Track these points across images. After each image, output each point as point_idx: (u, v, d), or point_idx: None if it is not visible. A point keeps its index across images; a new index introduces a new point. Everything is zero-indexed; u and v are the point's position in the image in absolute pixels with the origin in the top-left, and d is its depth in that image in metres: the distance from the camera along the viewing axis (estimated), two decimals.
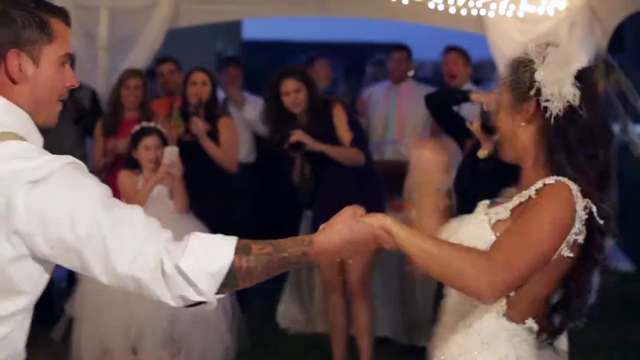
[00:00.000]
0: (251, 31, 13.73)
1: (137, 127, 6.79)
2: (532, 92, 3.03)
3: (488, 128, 5.45)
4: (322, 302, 7.73)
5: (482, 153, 5.56)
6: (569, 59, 3.07)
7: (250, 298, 7.98)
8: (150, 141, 6.62)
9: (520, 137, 3.11)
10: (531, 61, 3.09)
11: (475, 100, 5.57)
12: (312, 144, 6.54)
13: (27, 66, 2.58)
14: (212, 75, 7.68)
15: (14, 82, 2.57)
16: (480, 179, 5.61)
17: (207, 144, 7.32)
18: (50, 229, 2.45)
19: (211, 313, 6.35)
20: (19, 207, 2.43)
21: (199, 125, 7.30)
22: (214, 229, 6.33)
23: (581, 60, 3.07)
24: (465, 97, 5.66)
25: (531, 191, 3.01)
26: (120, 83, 7.62)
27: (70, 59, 2.69)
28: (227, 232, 6.47)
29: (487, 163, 5.53)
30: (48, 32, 2.58)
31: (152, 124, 6.82)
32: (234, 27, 12.88)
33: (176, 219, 6.49)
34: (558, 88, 3.00)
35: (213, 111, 7.52)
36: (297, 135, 6.55)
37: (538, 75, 3.04)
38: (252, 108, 9.02)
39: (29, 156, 2.52)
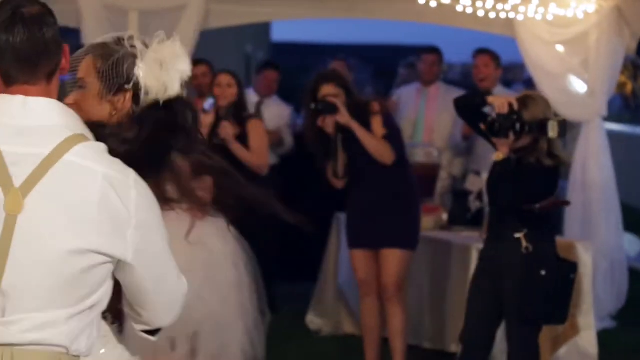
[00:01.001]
0: (280, 33, 13.76)
1: None
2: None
3: (497, 131, 5.48)
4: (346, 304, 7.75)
5: (497, 156, 5.57)
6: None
7: (281, 300, 8.00)
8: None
9: None
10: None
11: (490, 103, 5.59)
12: (347, 119, 6.49)
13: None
14: (238, 77, 7.67)
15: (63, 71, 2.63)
16: (497, 182, 5.64)
17: (236, 148, 7.32)
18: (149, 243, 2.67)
19: (227, 314, 6.37)
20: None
21: (227, 129, 7.30)
22: (241, 232, 6.40)
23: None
24: (483, 100, 5.68)
25: None
26: None
27: None
28: (254, 233, 6.53)
29: (503, 166, 5.55)
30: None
31: None
32: (263, 29, 12.90)
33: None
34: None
35: (241, 113, 7.51)
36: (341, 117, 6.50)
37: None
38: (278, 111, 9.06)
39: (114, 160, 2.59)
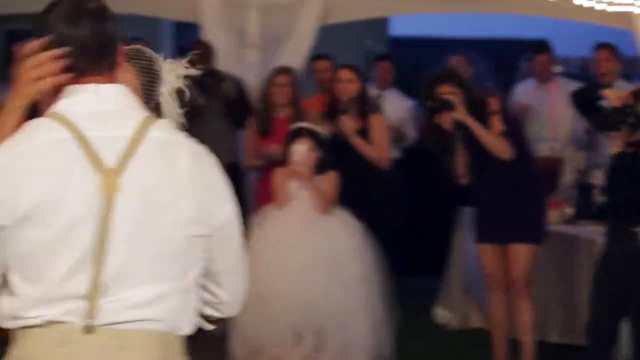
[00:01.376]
0: (398, 28, 13.71)
1: (291, 127, 6.84)
2: None
3: (611, 124, 5.39)
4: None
5: (614, 149, 5.50)
6: None
7: (407, 294, 7.98)
8: (301, 143, 6.65)
9: None
10: None
11: (606, 97, 5.51)
12: (463, 116, 6.45)
13: None
14: (359, 71, 7.68)
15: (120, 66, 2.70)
16: (614, 176, 5.56)
17: (357, 142, 7.34)
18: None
19: (353, 309, 6.38)
20: None
21: (347, 124, 7.33)
22: (366, 226, 6.42)
23: None
24: (599, 94, 5.61)
25: None
26: (269, 81, 7.66)
27: None
28: (379, 229, 6.53)
29: (619, 159, 5.46)
30: None
31: (305, 125, 6.82)
32: (381, 23, 12.91)
33: (323, 219, 6.54)
34: None
35: (363, 108, 7.53)
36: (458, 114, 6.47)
37: None
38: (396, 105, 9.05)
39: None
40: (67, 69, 2.58)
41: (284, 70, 7.67)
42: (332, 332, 6.34)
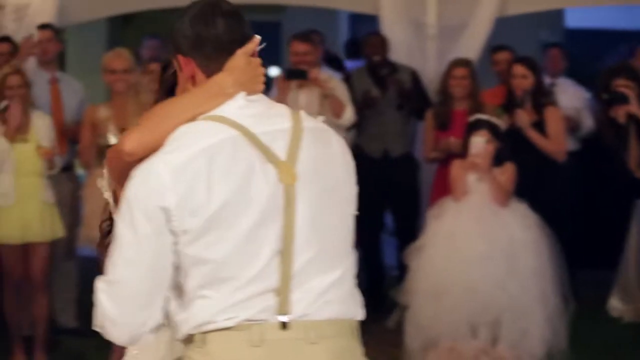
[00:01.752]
0: (574, 19, 13.52)
1: (470, 119, 6.87)
2: None
3: None
4: None
5: None
6: None
7: (583, 286, 7.94)
8: (479, 135, 6.66)
9: None
10: None
11: None
12: (637, 109, 6.38)
13: None
14: (534, 65, 7.64)
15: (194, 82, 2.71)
16: None
17: (533, 135, 7.33)
18: None
19: (528, 301, 6.36)
20: None
21: (523, 118, 7.32)
22: (544, 219, 6.40)
23: None
24: None
25: None
26: (447, 73, 7.67)
27: None
28: (554, 220, 6.50)
29: None
30: None
31: (483, 117, 6.83)
32: (557, 15, 12.76)
33: (499, 211, 6.55)
34: None
35: (539, 100, 7.51)
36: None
37: None
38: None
39: None
40: (202, 67, 2.65)
41: (462, 63, 7.66)
42: (507, 325, 6.34)
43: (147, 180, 2.51)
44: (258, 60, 2.68)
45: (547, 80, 8.92)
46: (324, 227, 2.57)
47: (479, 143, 6.56)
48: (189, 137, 2.55)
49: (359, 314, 2.66)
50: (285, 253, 2.51)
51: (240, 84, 2.63)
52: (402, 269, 7.22)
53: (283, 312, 2.52)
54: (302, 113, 2.71)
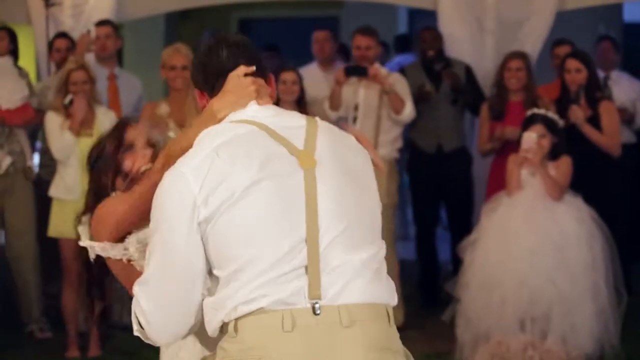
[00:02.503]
0: (632, 13, 13.39)
1: (527, 114, 6.85)
2: None
3: None
4: None
5: None
6: None
7: (637, 280, 7.88)
8: (534, 130, 6.64)
9: None
10: None
11: None
12: None
13: None
14: (588, 59, 7.59)
15: (271, 97, 2.87)
16: None
17: (588, 130, 7.30)
18: None
19: (578, 295, 6.32)
20: None
21: (577, 114, 7.28)
22: (599, 212, 6.37)
23: None
24: None
25: None
26: (502, 65, 7.65)
27: None
28: (609, 214, 6.46)
29: None
30: None
31: (540, 111, 6.80)
32: (615, 9, 12.65)
33: (552, 205, 6.52)
34: None
35: (594, 95, 7.47)
36: None
37: None
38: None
39: None
40: (212, 98, 2.83)
41: (518, 55, 7.64)
42: (556, 319, 6.32)
43: (174, 183, 2.62)
44: (248, 80, 2.78)
45: (600, 74, 8.87)
46: (348, 207, 2.62)
47: (530, 138, 6.55)
48: (208, 138, 2.67)
49: (392, 300, 2.67)
50: (310, 234, 2.55)
51: (231, 105, 2.75)
52: (456, 263, 7.22)
53: (314, 296, 2.53)
54: (317, 118, 2.82)
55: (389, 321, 2.63)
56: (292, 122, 2.75)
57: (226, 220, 2.55)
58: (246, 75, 2.78)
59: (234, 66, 2.79)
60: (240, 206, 2.55)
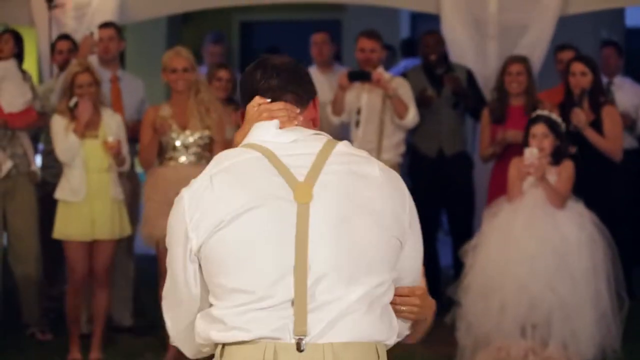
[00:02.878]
0: (634, 18, 13.40)
1: (532, 115, 6.85)
2: None
3: None
4: None
5: None
6: None
7: (638, 285, 7.88)
8: (536, 129, 6.65)
9: None
10: None
11: None
12: None
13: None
14: (593, 63, 7.61)
15: (309, 121, 2.82)
16: None
17: (590, 134, 7.30)
18: None
19: (579, 301, 6.32)
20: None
21: (579, 117, 7.29)
22: (601, 217, 6.37)
23: None
24: None
25: None
26: (503, 69, 7.66)
27: None
28: (611, 219, 6.46)
29: None
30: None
31: (544, 113, 6.81)
32: (617, 14, 12.67)
33: (552, 211, 6.51)
34: None
35: (597, 100, 7.48)
36: None
37: None
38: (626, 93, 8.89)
39: None
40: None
41: (518, 59, 7.66)
42: (556, 325, 6.32)
43: (176, 205, 2.65)
44: (264, 107, 2.76)
45: (603, 79, 8.87)
46: (343, 243, 2.54)
47: (532, 154, 6.52)
48: (214, 162, 2.67)
49: (385, 336, 2.60)
50: (298, 268, 2.50)
51: (244, 132, 2.77)
52: (458, 268, 7.22)
53: (299, 332, 2.49)
54: (343, 143, 2.73)
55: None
56: (305, 148, 2.66)
57: (213, 249, 2.54)
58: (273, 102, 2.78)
59: (267, 89, 2.78)
60: (227, 236, 2.54)
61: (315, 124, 2.82)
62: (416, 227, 2.71)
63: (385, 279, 2.59)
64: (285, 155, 2.62)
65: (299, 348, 2.47)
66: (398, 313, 2.67)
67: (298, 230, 2.52)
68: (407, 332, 2.78)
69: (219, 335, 2.54)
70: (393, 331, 2.62)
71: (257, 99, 2.77)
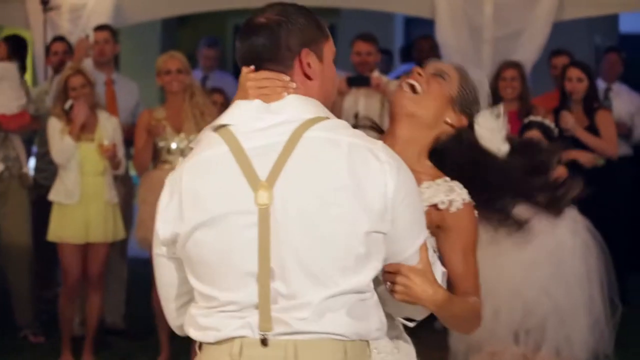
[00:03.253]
0: (628, 24, 13.45)
1: (525, 121, 6.86)
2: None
3: None
4: None
5: None
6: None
7: (632, 292, 7.89)
8: (530, 135, 6.64)
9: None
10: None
11: None
12: None
13: (314, 63, 2.67)
14: (589, 69, 7.63)
15: (308, 78, 2.66)
16: None
17: (583, 135, 7.32)
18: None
19: (572, 307, 6.32)
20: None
21: (568, 119, 7.30)
22: (596, 224, 6.37)
23: None
24: None
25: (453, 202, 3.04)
26: (497, 75, 7.66)
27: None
28: (605, 225, 6.45)
29: None
30: (323, 30, 2.70)
31: (537, 118, 6.82)
32: (611, 20, 12.71)
33: (547, 217, 6.51)
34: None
35: (591, 105, 7.50)
36: None
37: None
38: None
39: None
40: None
41: (512, 64, 7.66)
42: (550, 331, 6.32)
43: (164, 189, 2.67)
44: (250, 82, 2.65)
45: (603, 84, 8.89)
46: (308, 246, 2.49)
47: None
48: (195, 149, 2.64)
49: (363, 334, 2.57)
50: (261, 274, 2.49)
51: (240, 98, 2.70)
52: None
53: (264, 328, 2.50)
54: (321, 124, 2.58)
55: (349, 356, 2.55)
56: (275, 136, 2.56)
57: (181, 253, 2.59)
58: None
59: (247, 58, 2.67)
60: (192, 243, 2.55)
61: (311, 76, 2.67)
62: (405, 206, 2.56)
63: (362, 276, 2.53)
64: (253, 149, 2.54)
65: (264, 344, 2.49)
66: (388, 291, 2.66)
67: (260, 235, 2.49)
68: (421, 315, 2.84)
69: (196, 334, 2.59)
70: (373, 327, 2.57)
71: (244, 70, 2.68)
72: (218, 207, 2.51)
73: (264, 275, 2.48)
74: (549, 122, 6.81)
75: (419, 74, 3.14)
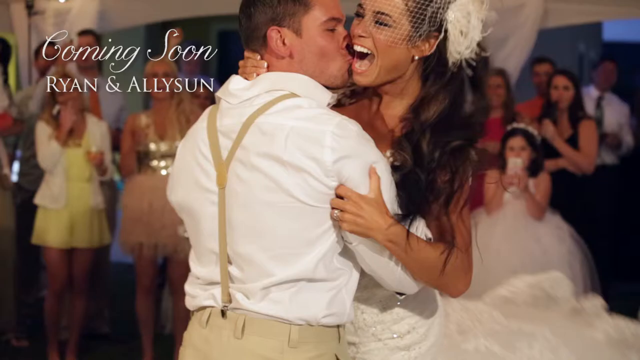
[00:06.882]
0: (612, 33, 13.50)
1: (508, 128, 6.87)
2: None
3: None
4: None
5: None
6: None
7: (614, 299, 7.87)
8: (514, 142, 6.66)
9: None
10: None
11: None
12: None
13: (291, 39, 2.66)
14: (575, 77, 7.65)
15: (279, 57, 2.67)
16: None
17: (561, 145, 7.33)
18: None
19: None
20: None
21: (549, 128, 7.31)
22: (579, 231, 6.38)
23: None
24: None
25: None
26: None
27: (339, 21, 2.72)
28: (589, 233, 6.46)
29: None
30: (303, 3, 2.65)
31: (521, 125, 6.83)
32: (595, 28, 12.75)
33: (533, 224, 6.53)
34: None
35: (576, 114, 7.51)
36: None
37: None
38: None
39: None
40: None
41: (497, 72, 7.68)
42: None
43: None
44: (241, 62, 2.74)
45: (595, 93, 8.90)
46: (257, 229, 2.58)
47: (515, 164, 6.52)
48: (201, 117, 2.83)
49: (314, 318, 2.62)
50: (221, 256, 2.67)
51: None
52: None
53: (224, 301, 2.68)
54: (280, 104, 2.61)
55: (288, 343, 2.61)
56: (239, 117, 2.62)
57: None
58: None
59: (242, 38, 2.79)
60: (180, 211, 2.82)
61: (283, 54, 2.67)
62: (354, 177, 2.55)
63: (305, 263, 2.58)
64: (222, 127, 2.65)
65: (223, 315, 2.68)
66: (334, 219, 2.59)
67: (220, 217, 2.64)
68: (411, 290, 2.78)
69: (187, 302, 2.83)
70: (320, 314, 2.62)
71: (246, 52, 2.75)
72: (191, 187, 2.72)
73: (223, 259, 2.67)
74: (532, 129, 6.82)
75: (361, 36, 2.77)
